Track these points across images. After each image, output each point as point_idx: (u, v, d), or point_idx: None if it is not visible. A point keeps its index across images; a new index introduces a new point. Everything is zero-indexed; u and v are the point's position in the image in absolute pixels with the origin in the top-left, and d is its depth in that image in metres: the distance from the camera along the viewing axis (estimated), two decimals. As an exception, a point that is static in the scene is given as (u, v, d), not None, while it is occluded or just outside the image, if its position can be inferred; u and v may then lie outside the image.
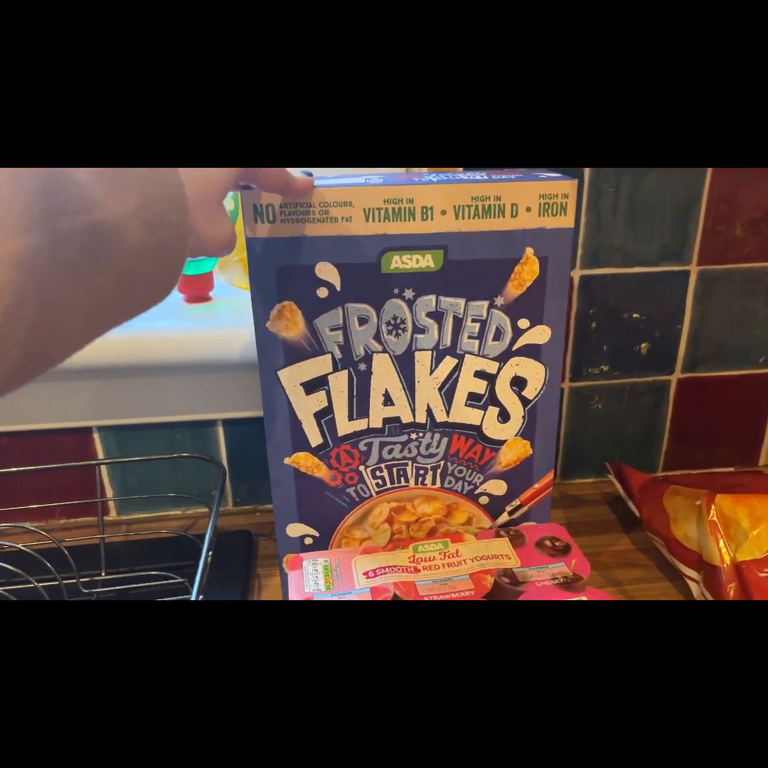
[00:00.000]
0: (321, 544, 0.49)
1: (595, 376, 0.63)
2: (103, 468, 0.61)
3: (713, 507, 0.49)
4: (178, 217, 0.29)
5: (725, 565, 0.47)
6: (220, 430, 0.61)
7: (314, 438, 0.46)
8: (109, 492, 0.62)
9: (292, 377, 0.44)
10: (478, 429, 0.47)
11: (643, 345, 0.62)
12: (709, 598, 0.48)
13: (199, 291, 0.58)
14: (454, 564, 0.47)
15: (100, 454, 0.61)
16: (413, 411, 0.46)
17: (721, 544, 0.48)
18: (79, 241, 0.24)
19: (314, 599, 0.43)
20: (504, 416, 0.47)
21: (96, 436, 0.60)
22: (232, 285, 0.61)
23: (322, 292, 0.42)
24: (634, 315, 0.61)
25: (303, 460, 0.47)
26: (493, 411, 0.47)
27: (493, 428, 0.47)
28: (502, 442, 0.48)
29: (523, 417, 0.47)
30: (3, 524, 0.55)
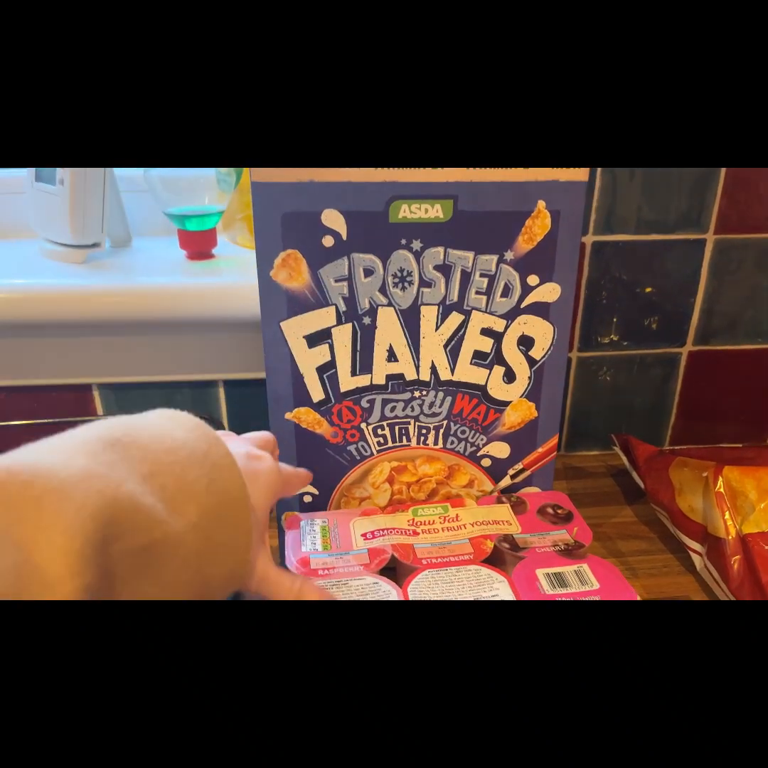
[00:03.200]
0: (320, 502, 0.49)
1: (604, 346, 0.62)
2: (103, 425, 0.60)
3: (721, 478, 0.48)
4: (239, 517, 0.30)
5: (730, 538, 0.46)
6: (221, 391, 0.61)
7: (316, 393, 0.45)
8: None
9: (295, 329, 0.43)
10: (482, 389, 0.46)
11: (655, 316, 0.61)
12: (713, 570, 0.47)
13: (202, 248, 0.57)
14: (454, 528, 0.46)
15: (100, 412, 0.60)
16: (417, 368, 0.45)
17: (727, 516, 0.47)
18: (131, 560, 0.25)
19: (311, 559, 0.43)
20: (510, 376, 0.46)
21: (96, 394, 0.60)
22: (235, 243, 0.60)
23: (328, 241, 0.41)
24: (647, 285, 0.60)
25: (304, 416, 0.46)
26: (498, 371, 0.46)
27: (498, 388, 0.46)
28: (506, 404, 0.47)
29: (529, 378, 0.46)
30: None
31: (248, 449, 0.34)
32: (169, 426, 0.30)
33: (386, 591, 0.40)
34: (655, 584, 0.49)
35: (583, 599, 0.39)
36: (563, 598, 0.39)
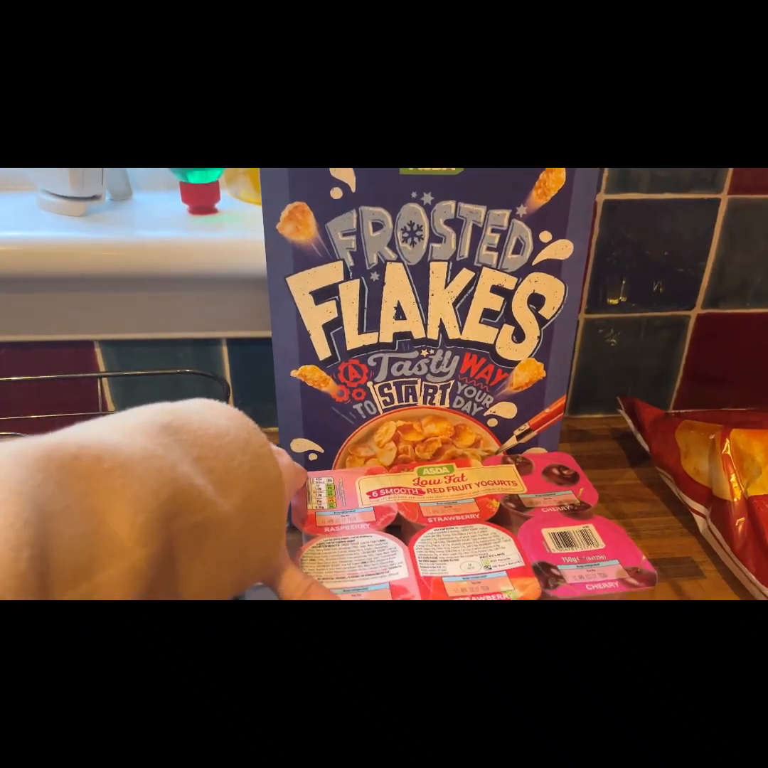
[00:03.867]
0: (325, 461, 0.48)
1: (612, 308, 0.61)
2: (105, 383, 0.60)
3: (728, 441, 0.48)
4: (276, 504, 0.32)
5: (735, 500, 0.46)
6: (224, 349, 0.60)
7: (322, 351, 0.45)
8: (111, 407, 0.61)
9: (301, 285, 0.42)
10: (491, 348, 0.45)
11: (665, 278, 0.60)
12: (716, 532, 0.47)
13: (205, 201, 0.56)
14: (459, 488, 0.46)
15: (102, 369, 0.59)
16: (425, 326, 0.44)
17: (733, 478, 0.47)
18: (187, 535, 0.27)
19: (317, 516, 0.43)
20: (519, 336, 0.45)
21: (97, 350, 0.59)
22: (238, 198, 0.59)
23: (336, 193, 0.40)
24: (658, 245, 0.59)
25: (310, 374, 0.45)
26: (507, 329, 0.45)
27: (506, 348, 0.46)
28: (515, 363, 0.46)
29: (539, 337, 0.45)
30: (3, 433, 0.55)
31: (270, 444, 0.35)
32: (211, 414, 0.32)
33: (392, 548, 0.40)
34: (657, 545, 0.49)
35: (589, 559, 0.39)
36: (569, 557, 0.40)
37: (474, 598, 0.36)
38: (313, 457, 0.48)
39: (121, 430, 0.27)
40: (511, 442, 0.49)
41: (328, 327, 0.44)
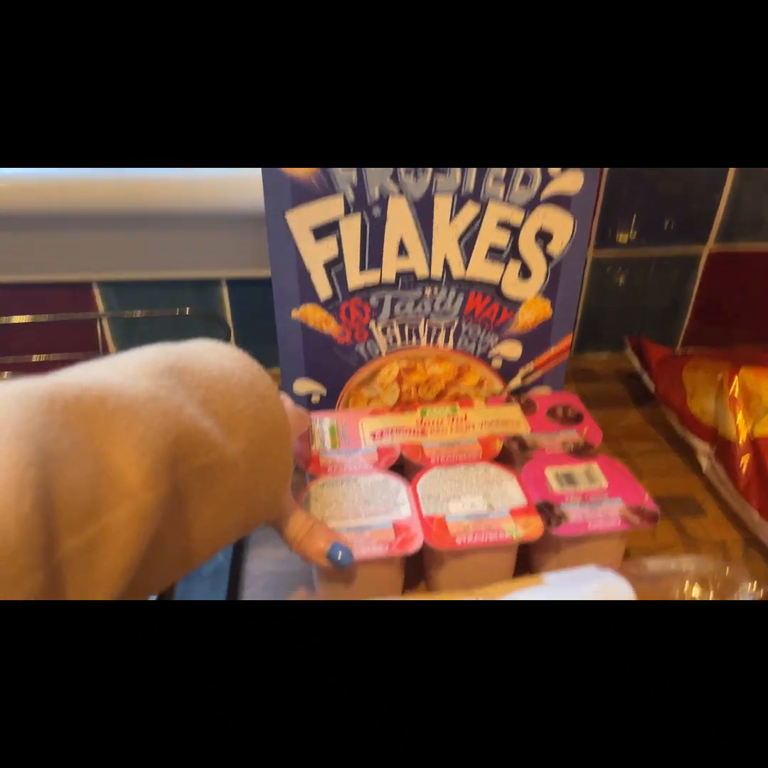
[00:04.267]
0: (328, 402, 0.48)
1: (621, 245, 0.59)
2: (105, 324, 0.59)
3: (736, 380, 0.47)
4: (282, 446, 0.31)
5: (741, 440, 0.46)
6: (225, 291, 0.59)
7: (323, 290, 0.44)
8: (112, 349, 0.60)
9: (301, 220, 0.41)
10: (496, 286, 0.44)
11: (676, 213, 0.58)
12: (720, 471, 0.47)
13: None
14: (463, 428, 0.46)
15: (101, 310, 0.58)
16: (429, 264, 0.43)
17: (740, 418, 0.46)
18: (195, 478, 0.26)
19: (320, 457, 0.43)
20: (525, 273, 0.44)
21: (96, 291, 0.58)
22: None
23: (335, 123, 0.38)
24: (670, 179, 0.56)
25: (311, 314, 0.45)
26: (514, 266, 0.44)
27: (512, 286, 0.44)
28: (521, 302, 0.45)
29: (546, 275, 0.44)
30: (3, 373, 0.54)
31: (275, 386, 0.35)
32: (215, 356, 0.31)
33: (395, 487, 0.40)
34: (660, 484, 0.49)
35: (592, 498, 0.39)
36: (572, 496, 0.40)
37: (476, 536, 0.36)
38: (315, 398, 0.48)
39: (124, 372, 0.27)
40: (516, 382, 0.49)
41: (329, 265, 0.43)
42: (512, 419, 0.46)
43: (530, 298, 0.45)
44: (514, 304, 0.45)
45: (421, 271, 0.43)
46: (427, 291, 0.44)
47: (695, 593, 0.34)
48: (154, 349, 0.30)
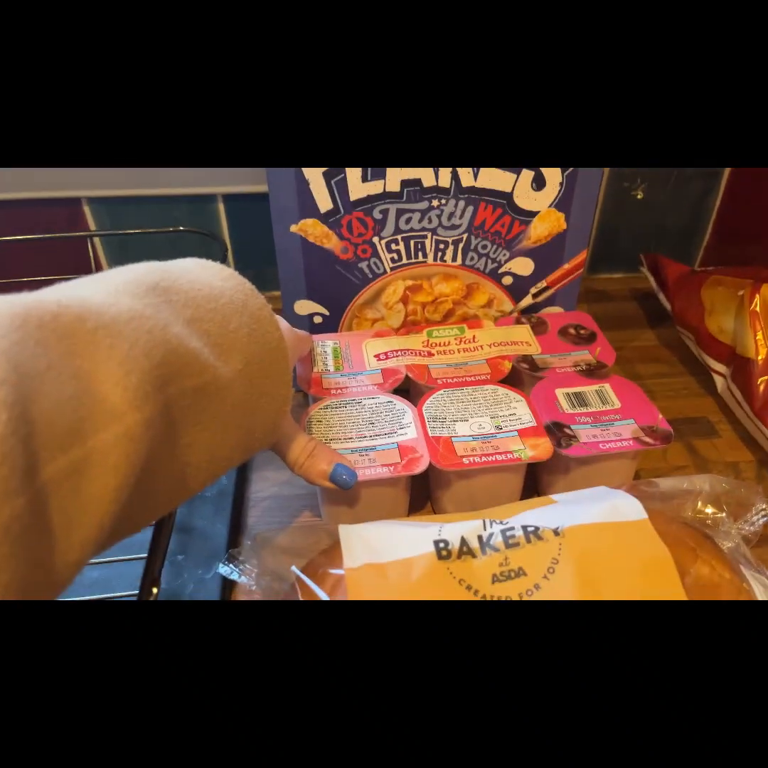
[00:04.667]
0: (330, 324, 0.46)
1: (641, 155, 0.56)
2: (98, 243, 0.57)
3: (758, 296, 0.45)
4: (280, 367, 0.30)
5: (760, 358, 0.44)
6: (221, 207, 0.56)
7: (323, 202, 0.41)
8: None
9: (297, 125, 0.38)
10: (508, 197, 0.42)
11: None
12: (736, 391, 0.46)
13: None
14: (470, 349, 0.44)
15: (92, 228, 0.56)
16: (436, 172, 0.40)
17: (760, 336, 0.44)
18: (186, 401, 0.25)
19: (323, 379, 0.41)
20: (539, 183, 0.41)
21: (86, 209, 0.55)
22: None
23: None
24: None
25: (311, 229, 0.42)
26: (527, 175, 0.41)
27: (525, 197, 0.42)
28: (533, 214, 0.43)
29: (561, 184, 0.41)
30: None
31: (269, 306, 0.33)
32: (204, 274, 0.29)
33: (401, 409, 0.39)
34: (673, 406, 0.48)
35: (604, 419, 0.38)
36: (583, 417, 0.38)
37: (484, 457, 0.35)
38: (317, 319, 0.46)
39: (105, 290, 0.25)
40: (527, 301, 0.47)
41: (328, 175, 0.40)
42: (522, 339, 0.45)
43: (543, 210, 0.42)
44: (527, 217, 0.43)
45: (428, 181, 0.41)
46: (435, 202, 0.42)
47: (708, 512, 0.33)
48: (137, 267, 0.28)
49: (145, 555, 0.28)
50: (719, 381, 0.48)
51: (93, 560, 0.24)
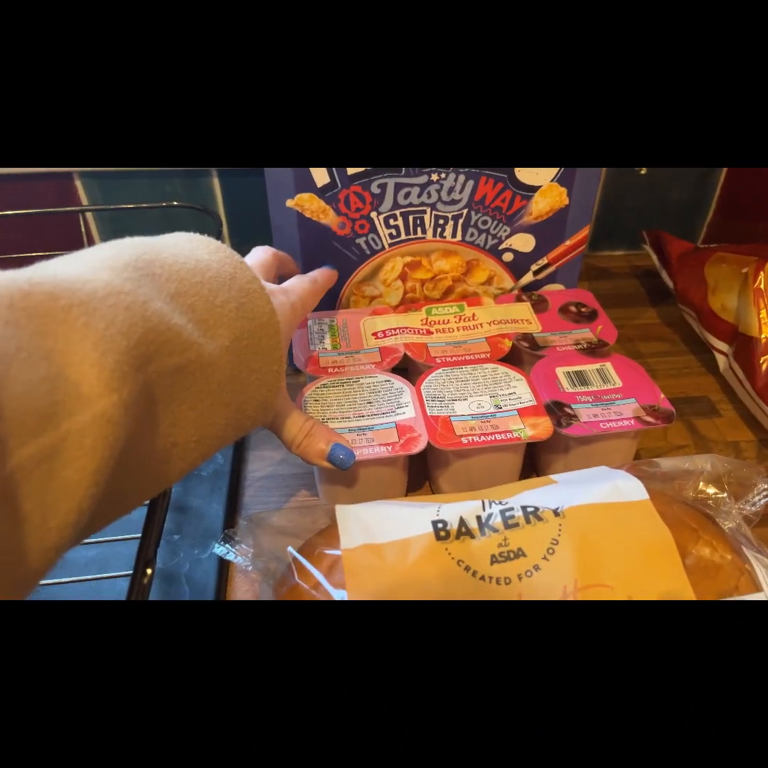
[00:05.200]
0: (328, 301, 0.45)
1: (645, 129, 0.54)
2: (90, 219, 0.56)
3: (762, 274, 0.44)
4: (271, 343, 0.29)
5: (763, 337, 0.44)
6: (216, 181, 0.55)
7: (320, 176, 0.40)
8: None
9: (293, 95, 0.37)
10: (509, 171, 0.41)
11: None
12: (738, 370, 0.45)
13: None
14: (470, 327, 0.44)
15: (85, 203, 0.55)
16: (436, 145, 0.39)
17: (764, 314, 0.44)
18: (168, 380, 0.24)
19: (320, 357, 0.41)
20: (541, 156, 0.40)
21: (78, 183, 0.54)
22: None
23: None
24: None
25: (307, 203, 0.41)
26: (529, 148, 0.40)
27: (526, 171, 0.41)
28: (535, 189, 0.42)
29: (564, 158, 0.40)
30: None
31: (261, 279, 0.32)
32: (189, 247, 0.28)
33: (399, 388, 0.38)
34: (675, 384, 0.48)
35: (605, 398, 0.38)
36: (584, 396, 0.38)
37: (483, 437, 0.35)
38: (314, 295, 0.45)
39: (83, 266, 0.24)
40: (527, 278, 0.46)
41: (325, 147, 0.39)
42: (522, 317, 0.44)
43: (545, 184, 0.41)
44: (528, 192, 0.42)
45: (427, 154, 0.40)
46: (434, 176, 0.41)
47: (709, 492, 0.33)
48: (121, 242, 0.27)
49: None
50: (721, 360, 0.47)
51: (89, 540, 0.23)
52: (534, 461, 0.41)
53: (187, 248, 0.28)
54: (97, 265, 0.24)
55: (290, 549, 0.30)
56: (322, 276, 0.40)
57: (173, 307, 0.25)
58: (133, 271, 0.25)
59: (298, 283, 0.37)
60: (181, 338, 0.25)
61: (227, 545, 0.31)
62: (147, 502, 0.28)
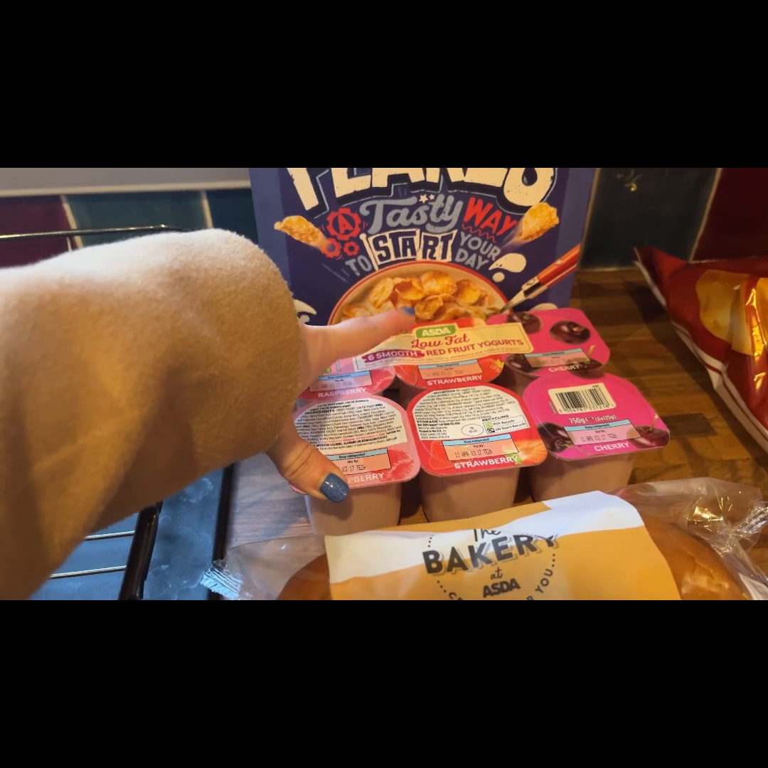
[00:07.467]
0: (318, 323, 0.45)
1: (635, 146, 0.55)
2: (78, 242, 0.55)
3: (754, 291, 0.44)
4: (290, 362, 0.28)
5: (756, 354, 0.43)
6: (205, 203, 0.55)
7: (308, 199, 0.40)
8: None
9: (279, 119, 0.37)
10: (498, 191, 0.40)
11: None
12: (732, 388, 0.45)
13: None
14: (461, 349, 0.43)
15: (74, 226, 0.54)
16: (424, 167, 0.39)
17: (756, 332, 0.44)
18: (188, 393, 0.24)
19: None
20: (530, 176, 0.40)
21: (66, 206, 0.54)
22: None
23: None
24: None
25: (296, 226, 0.41)
26: (517, 170, 0.40)
27: (516, 191, 0.41)
28: (525, 209, 0.41)
29: (552, 178, 0.40)
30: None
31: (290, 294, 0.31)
32: (227, 250, 0.27)
33: (390, 412, 0.38)
34: (668, 402, 0.47)
35: (599, 420, 0.37)
36: (577, 418, 0.37)
37: (476, 462, 0.34)
38: (304, 319, 0.45)
39: (117, 266, 0.23)
40: (519, 298, 0.46)
41: (313, 171, 0.39)
42: (514, 338, 0.44)
43: (535, 204, 0.41)
44: (518, 212, 0.41)
45: (416, 176, 0.39)
46: (423, 198, 0.40)
47: (705, 517, 0.32)
48: (156, 239, 0.25)
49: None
50: (715, 377, 0.47)
51: (75, 572, 0.23)
52: (529, 484, 0.40)
53: (224, 251, 0.27)
54: (131, 267, 0.23)
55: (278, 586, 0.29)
56: (388, 321, 0.38)
57: (204, 317, 0.24)
58: (167, 275, 0.24)
59: (348, 322, 0.36)
60: (209, 352, 0.24)
61: (215, 577, 0.31)
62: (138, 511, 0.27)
